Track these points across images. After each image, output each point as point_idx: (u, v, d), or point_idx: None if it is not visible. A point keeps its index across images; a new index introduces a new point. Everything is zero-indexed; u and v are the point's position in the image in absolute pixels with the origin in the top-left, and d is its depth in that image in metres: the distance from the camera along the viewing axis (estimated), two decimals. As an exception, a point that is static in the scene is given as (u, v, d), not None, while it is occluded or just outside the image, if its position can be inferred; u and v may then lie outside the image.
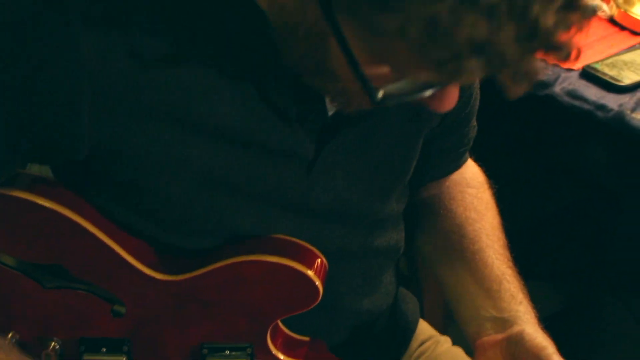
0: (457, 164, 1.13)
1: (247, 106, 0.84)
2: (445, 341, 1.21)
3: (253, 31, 0.81)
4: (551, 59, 0.70)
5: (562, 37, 0.68)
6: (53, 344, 0.95)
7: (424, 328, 1.21)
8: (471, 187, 1.12)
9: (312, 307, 0.92)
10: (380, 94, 0.74)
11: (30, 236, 0.91)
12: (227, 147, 0.86)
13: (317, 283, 0.90)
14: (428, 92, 0.75)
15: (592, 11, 0.70)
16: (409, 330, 1.17)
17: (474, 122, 1.10)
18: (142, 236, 0.92)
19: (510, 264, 1.05)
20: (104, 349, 0.94)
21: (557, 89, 1.44)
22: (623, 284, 2.07)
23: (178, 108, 0.82)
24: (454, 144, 1.10)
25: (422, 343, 1.18)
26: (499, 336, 0.97)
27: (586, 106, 1.42)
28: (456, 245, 1.07)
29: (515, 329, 0.97)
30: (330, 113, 0.89)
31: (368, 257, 1.03)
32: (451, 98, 0.78)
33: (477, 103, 1.07)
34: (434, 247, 1.11)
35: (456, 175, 1.13)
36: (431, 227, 1.12)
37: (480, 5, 0.64)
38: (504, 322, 0.99)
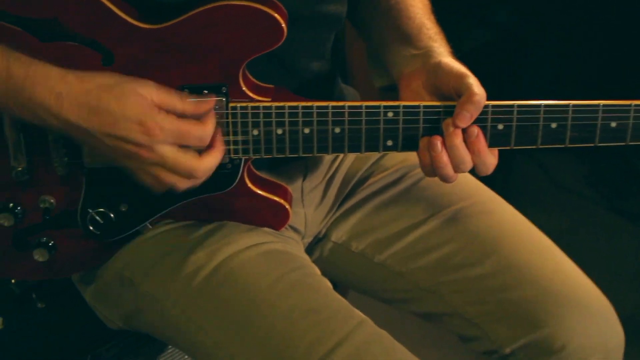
0: None
1: None
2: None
3: None
4: None
5: None
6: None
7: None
8: None
9: (276, 46, 1.07)
10: None
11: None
12: None
13: (282, 23, 1.06)
14: None
15: None
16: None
17: None
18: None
19: (432, 17, 1.23)
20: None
21: None
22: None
23: None
24: None
25: None
26: (419, 69, 1.14)
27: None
28: (385, 9, 1.25)
29: (432, 60, 1.13)
30: None
31: (316, 24, 1.20)
32: None
33: None
34: (367, 15, 1.29)
35: None
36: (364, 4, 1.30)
37: None
38: (422, 57, 1.15)
